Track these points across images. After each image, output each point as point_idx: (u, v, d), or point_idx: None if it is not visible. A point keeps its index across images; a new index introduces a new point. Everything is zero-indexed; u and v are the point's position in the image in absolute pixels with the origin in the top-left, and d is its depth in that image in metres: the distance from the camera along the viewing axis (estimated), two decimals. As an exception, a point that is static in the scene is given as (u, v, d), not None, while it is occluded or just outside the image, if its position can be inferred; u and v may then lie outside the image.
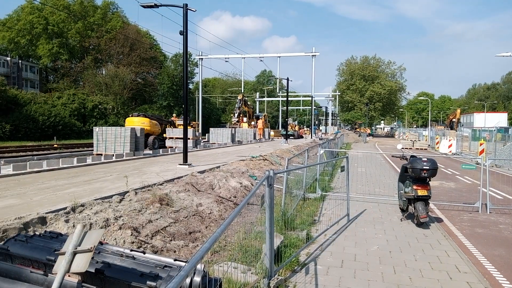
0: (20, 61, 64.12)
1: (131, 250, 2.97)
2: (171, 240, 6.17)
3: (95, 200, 6.83)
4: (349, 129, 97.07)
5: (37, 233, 3.19)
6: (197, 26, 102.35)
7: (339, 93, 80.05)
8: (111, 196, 7.23)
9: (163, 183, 9.02)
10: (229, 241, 6.69)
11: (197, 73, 65.62)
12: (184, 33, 12.14)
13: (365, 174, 15.72)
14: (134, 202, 7.09)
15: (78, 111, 47.49)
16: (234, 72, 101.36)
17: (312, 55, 43.17)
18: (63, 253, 2.34)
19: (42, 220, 5.61)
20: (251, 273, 4.74)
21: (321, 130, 68.82)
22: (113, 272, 2.54)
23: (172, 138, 23.73)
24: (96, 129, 16.56)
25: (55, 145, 29.46)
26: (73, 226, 5.58)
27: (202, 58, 48.68)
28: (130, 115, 24.18)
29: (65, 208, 6.14)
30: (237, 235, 6.90)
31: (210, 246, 2.33)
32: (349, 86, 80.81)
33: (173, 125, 28.12)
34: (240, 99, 39.38)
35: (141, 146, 16.43)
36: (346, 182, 8.59)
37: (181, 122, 32.78)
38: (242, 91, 55.49)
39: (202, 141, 27.40)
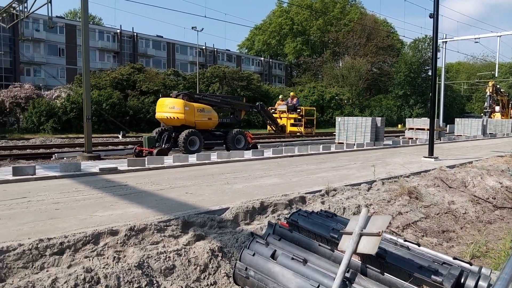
0: (270, 60, 74.41)
1: (405, 240, 2.96)
2: (423, 235, 5.88)
3: (345, 186, 7.20)
4: None
5: (315, 211, 3.58)
6: (442, 6, 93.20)
7: None
8: (359, 184, 7.48)
9: (409, 175, 8.71)
10: (490, 247, 5.88)
11: (439, 58, 59.93)
12: (435, 15, 11.23)
13: None
14: (382, 192, 7.10)
15: (317, 103, 51.20)
16: (484, 53, 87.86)
17: None
18: (349, 233, 2.52)
19: (302, 199, 6.30)
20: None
21: None
22: (393, 260, 2.58)
23: (412, 128, 22.56)
24: (338, 119, 17.44)
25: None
26: (329, 208, 6.03)
27: (446, 41, 44.04)
28: (167, 95, 15.85)
29: (320, 191, 6.73)
30: (500, 241, 6.01)
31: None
32: None
33: (267, 114, 19.25)
34: (489, 94, 33.86)
35: (381, 136, 16.33)
36: None
37: (283, 108, 21.12)
38: (496, 75, 47.52)
39: (445, 132, 25.05)
